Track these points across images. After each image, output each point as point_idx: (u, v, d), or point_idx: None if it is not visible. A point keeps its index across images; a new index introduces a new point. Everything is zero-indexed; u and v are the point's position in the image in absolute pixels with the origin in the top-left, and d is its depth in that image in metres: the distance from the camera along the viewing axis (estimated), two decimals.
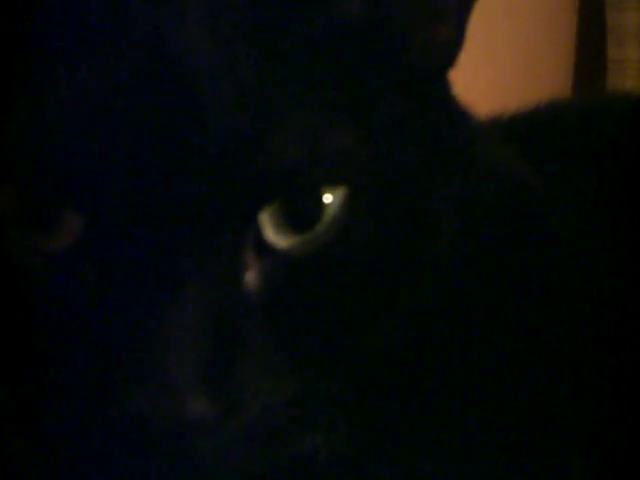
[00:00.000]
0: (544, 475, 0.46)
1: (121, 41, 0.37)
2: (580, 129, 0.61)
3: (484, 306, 0.47)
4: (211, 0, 0.39)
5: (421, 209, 0.43)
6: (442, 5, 0.44)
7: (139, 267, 0.37)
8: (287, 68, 0.39)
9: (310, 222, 0.39)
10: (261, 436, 0.39)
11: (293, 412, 0.40)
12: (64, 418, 0.39)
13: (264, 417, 0.39)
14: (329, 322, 0.41)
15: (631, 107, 0.65)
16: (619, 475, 0.48)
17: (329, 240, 0.39)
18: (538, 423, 0.47)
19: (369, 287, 0.41)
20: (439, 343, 0.46)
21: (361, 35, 0.41)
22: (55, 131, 0.37)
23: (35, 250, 0.39)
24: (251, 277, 0.39)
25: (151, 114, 0.37)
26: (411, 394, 0.45)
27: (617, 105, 0.65)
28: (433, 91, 0.45)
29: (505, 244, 0.49)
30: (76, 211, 0.38)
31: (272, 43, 0.39)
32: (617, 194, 0.56)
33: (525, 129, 0.61)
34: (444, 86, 0.46)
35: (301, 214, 0.39)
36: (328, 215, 0.39)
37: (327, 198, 0.39)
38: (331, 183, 0.39)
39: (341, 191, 0.39)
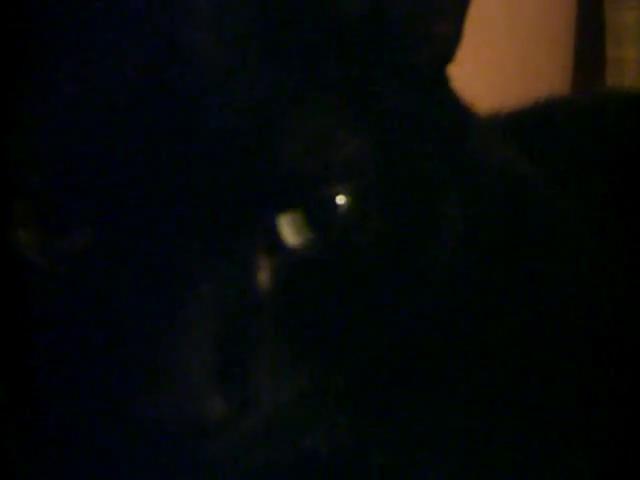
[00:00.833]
0: (547, 475, 0.47)
1: (129, 43, 0.37)
2: (578, 125, 0.61)
3: (487, 303, 0.48)
4: (218, 2, 0.39)
5: (426, 205, 0.43)
6: (440, 2, 0.44)
7: (153, 268, 0.37)
8: (294, 70, 0.39)
9: (323, 223, 0.40)
10: (271, 433, 0.40)
11: (303, 409, 0.40)
12: (73, 421, 0.39)
13: (276, 414, 0.39)
14: (338, 320, 0.41)
15: (628, 103, 0.65)
16: (623, 475, 0.49)
17: (340, 239, 0.40)
18: (541, 422, 0.47)
19: (377, 283, 0.42)
20: (442, 339, 0.46)
21: (362, 34, 0.41)
22: (62, 137, 0.37)
23: (48, 252, 0.39)
24: (263, 277, 0.39)
25: (161, 117, 0.37)
26: (414, 390, 0.46)
27: (614, 101, 0.66)
28: (433, 87, 0.45)
29: (506, 238, 0.49)
30: (88, 220, 0.38)
31: (279, 45, 0.39)
32: (615, 190, 0.56)
33: (523, 126, 0.61)
34: (443, 82, 0.47)
35: (314, 216, 0.39)
36: (340, 215, 0.40)
37: (340, 199, 0.40)
38: (344, 186, 0.40)
39: (352, 191, 0.40)
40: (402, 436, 0.45)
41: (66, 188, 0.38)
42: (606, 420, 0.48)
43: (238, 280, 0.38)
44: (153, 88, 0.37)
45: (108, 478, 0.40)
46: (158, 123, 0.37)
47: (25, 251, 0.39)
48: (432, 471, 0.45)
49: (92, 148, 0.37)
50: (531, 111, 0.63)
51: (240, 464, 0.40)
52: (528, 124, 0.62)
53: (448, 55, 0.45)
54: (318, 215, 0.39)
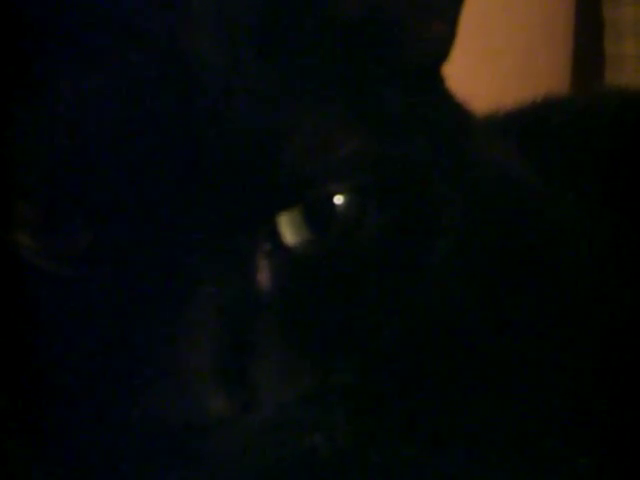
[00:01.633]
0: (549, 475, 0.46)
1: (130, 45, 0.38)
2: (576, 124, 0.61)
3: (486, 303, 0.48)
4: (220, 4, 0.39)
5: (424, 204, 0.44)
6: (435, 1, 0.44)
7: (154, 269, 0.37)
8: (295, 71, 0.39)
9: (322, 222, 0.40)
10: (273, 432, 0.40)
11: (303, 408, 0.41)
12: (75, 421, 0.39)
13: (278, 413, 0.40)
14: (338, 319, 0.41)
15: (627, 102, 0.65)
16: (624, 474, 0.48)
17: (339, 238, 0.40)
18: (543, 421, 0.47)
19: (377, 283, 0.42)
20: (442, 339, 0.46)
21: (360, 33, 0.42)
22: (63, 138, 0.37)
23: (49, 253, 0.39)
24: (264, 276, 0.39)
25: (162, 118, 0.37)
26: (415, 390, 0.46)
27: (613, 100, 0.66)
28: (429, 86, 0.46)
29: (504, 237, 0.49)
30: (89, 220, 0.38)
31: (278, 46, 0.39)
32: (614, 189, 0.56)
33: (521, 125, 0.62)
34: (439, 80, 0.47)
35: (313, 215, 0.40)
36: (338, 214, 0.40)
37: (338, 199, 0.40)
38: (343, 185, 0.40)
39: (350, 190, 0.40)
40: (402, 436, 0.45)
41: (67, 189, 0.38)
42: (606, 420, 0.48)
43: (239, 280, 0.38)
44: (153, 89, 0.37)
45: (110, 477, 0.40)
46: (158, 123, 0.37)
47: (26, 253, 0.39)
48: (432, 471, 0.45)
49: (93, 149, 0.37)
50: (529, 111, 0.63)
51: (241, 463, 0.40)
52: (526, 124, 0.62)
53: (443, 54, 0.46)
54: (317, 214, 0.40)
